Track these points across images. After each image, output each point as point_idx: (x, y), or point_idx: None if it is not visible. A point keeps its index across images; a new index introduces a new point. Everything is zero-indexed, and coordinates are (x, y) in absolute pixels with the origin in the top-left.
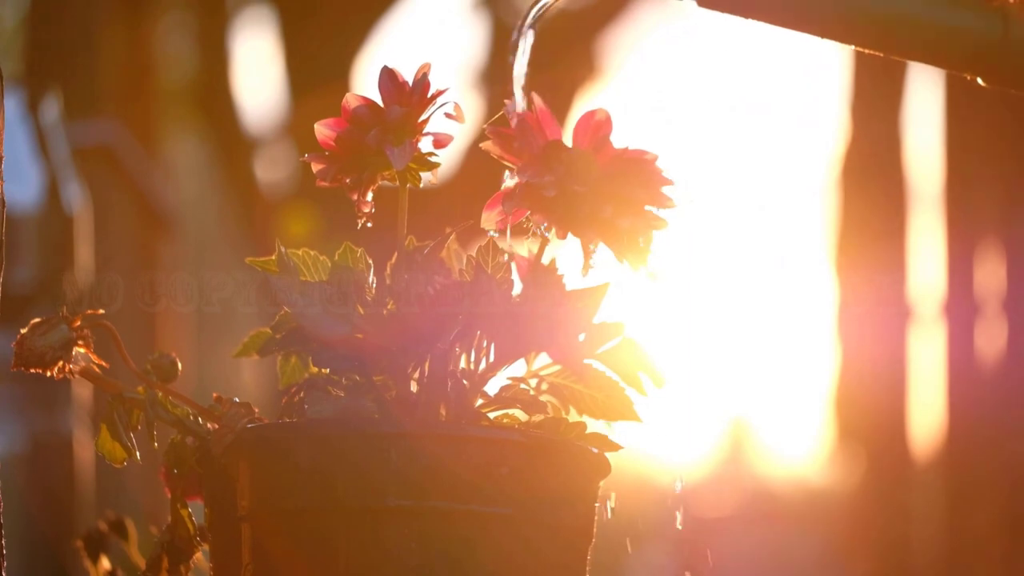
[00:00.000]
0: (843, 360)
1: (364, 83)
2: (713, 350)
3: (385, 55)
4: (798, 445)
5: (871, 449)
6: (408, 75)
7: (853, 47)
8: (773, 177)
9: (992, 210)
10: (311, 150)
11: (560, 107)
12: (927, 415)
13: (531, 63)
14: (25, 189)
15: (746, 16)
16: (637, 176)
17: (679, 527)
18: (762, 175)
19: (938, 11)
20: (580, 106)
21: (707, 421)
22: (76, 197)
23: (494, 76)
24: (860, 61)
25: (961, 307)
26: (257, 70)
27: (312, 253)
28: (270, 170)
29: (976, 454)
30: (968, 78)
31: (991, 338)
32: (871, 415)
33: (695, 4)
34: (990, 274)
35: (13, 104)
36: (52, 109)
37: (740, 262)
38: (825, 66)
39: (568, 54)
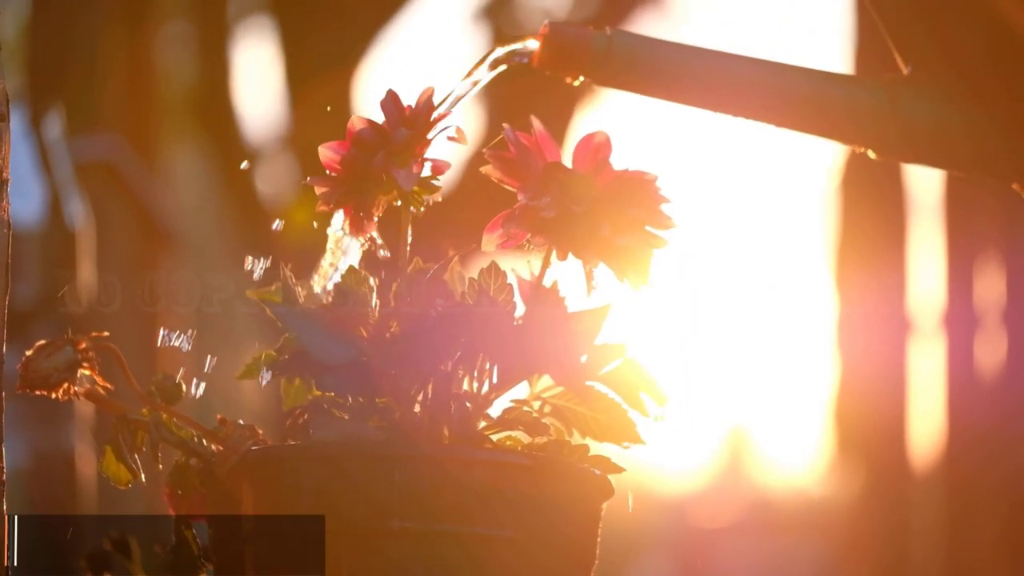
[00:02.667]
0: (843, 371)
1: (365, 94)
2: (713, 360)
3: (386, 66)
4: (797, 456)
5: (870, 460)
6: (408, 93)
7: (748, 122)
8: (773, 188)
9: (992, 221)
10: (312, 161)
11: (560, 121)
12: (926, 426)
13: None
14: (28, 205)
15: (645, 94)
16: (636, 195)
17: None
18: (762, 186)
19: (828, 87)
20: (580, 119)
21: (707, 431)
22: (78, 212)
23: (493, 86)
24: (860, 71)
25: (961, 319)
26: (258, 81)
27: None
28: (271, 181)
29: (976, 466)
30: (860, 151)
31: (991, 350)
32: (871, 426)
33: (592, 83)
34: (990, 286)
35: (15, 121)
36: (54, 125)
37: (740, 273)
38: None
39: None
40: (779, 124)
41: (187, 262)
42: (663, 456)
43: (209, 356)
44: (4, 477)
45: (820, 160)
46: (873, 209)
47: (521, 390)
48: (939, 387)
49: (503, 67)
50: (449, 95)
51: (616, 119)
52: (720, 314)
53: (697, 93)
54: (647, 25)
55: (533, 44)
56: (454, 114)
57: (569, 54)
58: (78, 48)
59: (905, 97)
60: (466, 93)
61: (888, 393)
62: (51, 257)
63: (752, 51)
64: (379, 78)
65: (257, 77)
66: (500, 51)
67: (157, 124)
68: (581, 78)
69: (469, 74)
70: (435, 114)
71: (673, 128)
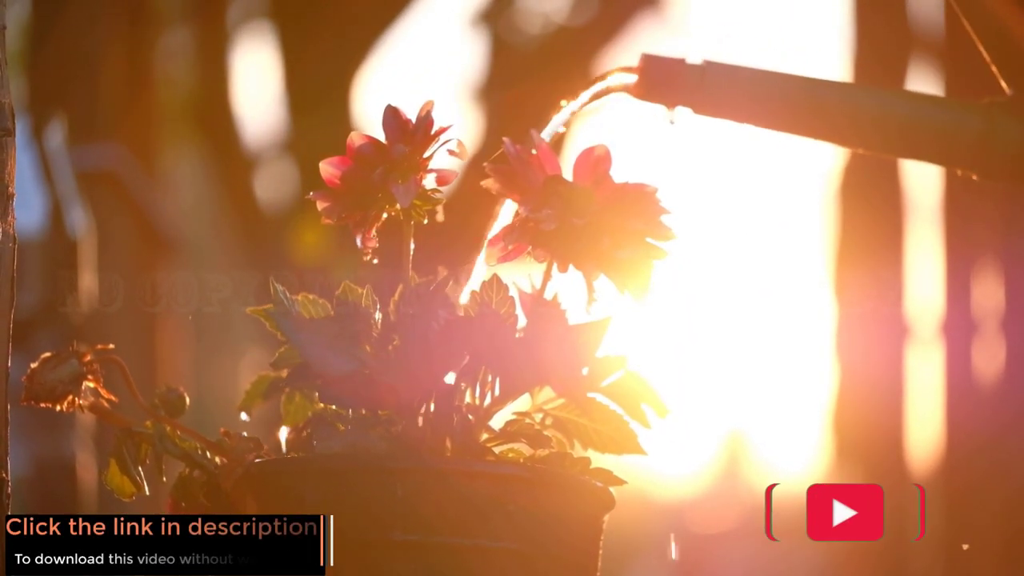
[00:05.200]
0: (841, 376)
1: (365, 99)
2: (711, 365)
3: (386, 71)
4: (796, 461)
5: (868, 465)
6: (407, 99)
7: (846, 149)
8: (771, 193)
9: (990, 227)
10: (313, 168)
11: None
12: (925, 432)
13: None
14: (29, 214)
15: (740, 122)
16: (636, 207)
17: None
18: (760, 191)
19: (926, 112)
20: (576, 126)
21: (705, 436)
22: (80, 221)
23: (492, 91)
24: (857, 74)
25: (959, 325)
26: (259, 88)
27: (311, 297)
28: (272, 188)
29: (975, 473)
30: (960, 173)
31: (989, 356)
32: (869, 432)
33: (691, 112)
34: (988, 292)
35: (18, 130)
36: (56, 134)
37: (738, 278)
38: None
39: (566, 73)
40: (874, 150)
41: (188, 269)
42: (661, 461)
43: (209, 366)
44: (9, 490)
45: (818, 165)
46: (872, 214)
47: (523, 402)
48: (937, 393)
49: (601, 100)
50: (548, 128)
51: (611, 128)
52: (718, 319)
53: (792, 120)
54: (644, 28)
55: (629, 76)
56: (454, 127)
57: (666, 85)
58: (79, 57)
59: (1002, 120)
60: (560, 123)
61: (886, 399)
62: (53, 266)
63: (836, 74)
64: (379, 83)
65: (257, 84)
66: (598, 86)
67: (158, 132)
68: (677, 108)
69: (569, 107)
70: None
71: (669, 133)
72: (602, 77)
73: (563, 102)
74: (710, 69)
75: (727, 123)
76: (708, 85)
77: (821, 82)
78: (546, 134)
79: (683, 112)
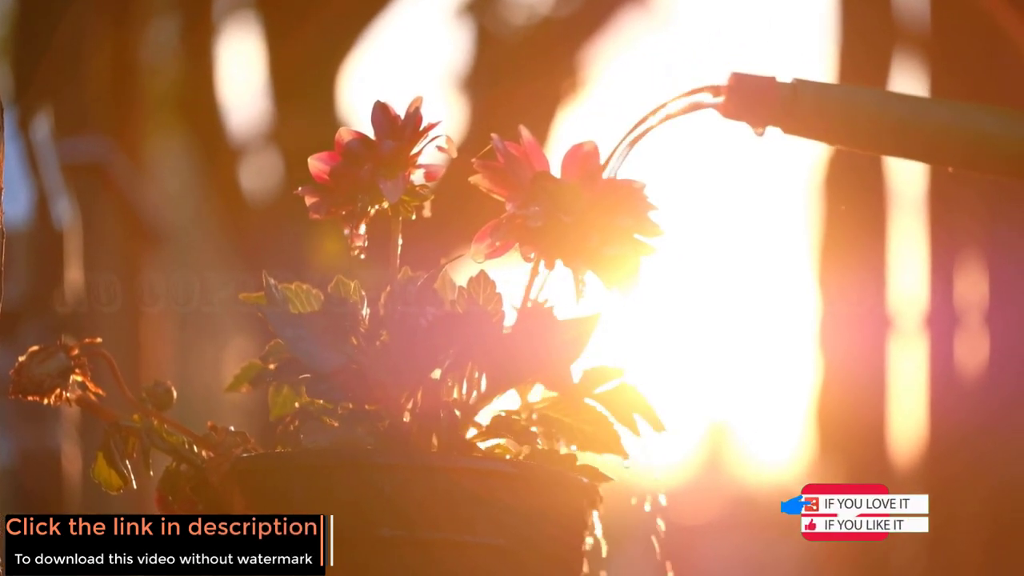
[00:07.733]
0: (825, 369)
1: (350, 90)
2: (695, 357)
3: (371, 62)
4: (778, 453)
5: (851, 458)
6: (393, 91)
7: (909, 160)
8: (756, 185)
9: (974, 219)
10: (297, 160)
11: (543, 119)
12: (907, 425)
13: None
14: (15, 206)
15: (836, 143)
16: (624, 204)
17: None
18: (745, 184)
19: (982, 121)
20: (562, 118)
21: (688, 428)
22: (66, 213)
23: (477, 82)
24: (841, 65)
25: (943, 318)
26: (244, 79)
27: (304, 286)
28: (258, 180)
29: (957, 465)
30: None
31: (972, 349)
32: (852, 424)
33: (780, 131)
34: (972, 285)
35: (4, 123)
36: (42, 126)
37: (722, 269)
38: (806, 72)
39: (551, 65)
40: (976, 170)
41: (174, 262)
42: (644, 453)
43: (192, 358)
44: None
45: (802, 158)
46: (856, 206)
47: (512, 401)
48: (921, 386)
49: (685, 116)
50: (623, 141)
51: (597, 124)
52: (702, 311)
53: (887, 141)
54: (629, 20)
55: (716, 94)
56: (443, 123)
57: (755, 104)
58: (65, 49)
59: None
60: (638, 139)
61: (870, 392)
62: (39, 258)
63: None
64: (365, 75)
65: (243, 75)
66: (685, 102)
67: (145, 124)
68: (767, 128)
69: (643, 121)
70: (610, 168)
71: (656, 127)
72: (689, 94)
73: (647, 116)
74: (801, 88)
75: (817, 143)
76: (799, 104)
77: (911, 99)
78: (622, 150)
79: (772, 132)
